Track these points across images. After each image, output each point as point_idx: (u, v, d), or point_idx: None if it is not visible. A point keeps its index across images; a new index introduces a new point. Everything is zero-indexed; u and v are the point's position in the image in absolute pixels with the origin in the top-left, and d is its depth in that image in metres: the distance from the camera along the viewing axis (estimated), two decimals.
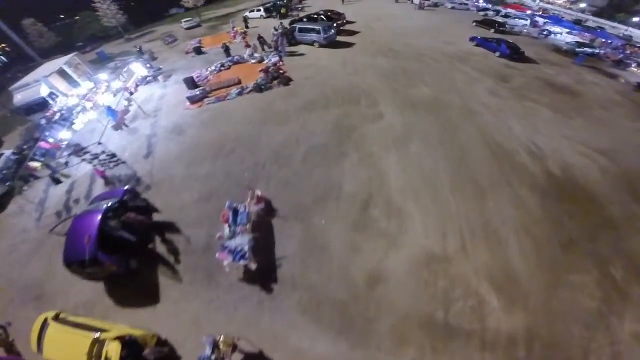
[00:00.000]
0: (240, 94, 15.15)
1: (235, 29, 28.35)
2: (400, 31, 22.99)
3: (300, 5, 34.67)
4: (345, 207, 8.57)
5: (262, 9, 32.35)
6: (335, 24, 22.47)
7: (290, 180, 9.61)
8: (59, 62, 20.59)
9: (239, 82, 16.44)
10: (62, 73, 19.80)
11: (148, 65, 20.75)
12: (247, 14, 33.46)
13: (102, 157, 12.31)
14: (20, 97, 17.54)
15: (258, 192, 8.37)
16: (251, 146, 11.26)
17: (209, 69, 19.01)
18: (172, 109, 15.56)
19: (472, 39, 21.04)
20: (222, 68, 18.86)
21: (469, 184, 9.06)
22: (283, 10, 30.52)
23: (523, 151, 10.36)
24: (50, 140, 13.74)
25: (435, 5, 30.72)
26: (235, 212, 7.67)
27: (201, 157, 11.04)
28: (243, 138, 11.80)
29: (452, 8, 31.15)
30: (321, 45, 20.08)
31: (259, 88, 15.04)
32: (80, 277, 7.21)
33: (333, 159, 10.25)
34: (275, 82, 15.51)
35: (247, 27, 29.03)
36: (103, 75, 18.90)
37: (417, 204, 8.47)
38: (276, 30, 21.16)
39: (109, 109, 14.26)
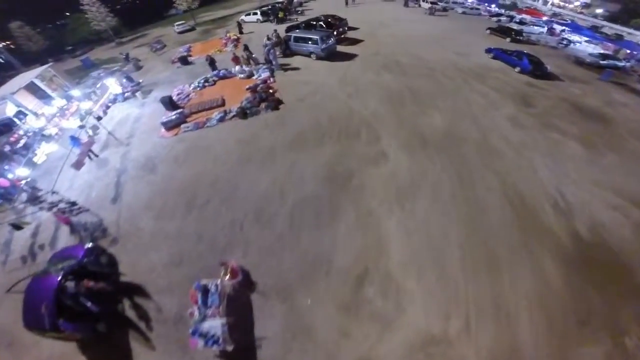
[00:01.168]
0: (222, 119, 13.12)
1: (228, 35, 26.40)
2: (407, 40, 20.74)
3: (300, 9, 32.42)
4: (335, 284, 6.90)
5: (258, 12, 30.22)
6: (335, 32, 20.28)
7: (273, 247, 7.76)
8: (30, 74, 18.67)
9: (223, 104, 14.41)
10: (32, 88, 17.84)
11: (124, 79, 18.70)
12: (242, 17, 31.44)
13: (62, 205, 10.41)
14: None
15: (233, 264, 6.89)
16: (228, 197, 9.30)
17: (192, 84, 17.01)
18: (147, 135, 13.62)
19: (489, 50, 18.78)
20: (207, 84, 16.84)
21: (484, 254, 7.22)
22: (281, 15, 28.40)
23: (548, 206, 8.40)
24: (10, 176, 11.85)
25: (445, 10, 28.29)
26: (206, 291, 6.44)
27: (172, 207, 9.30)
28: (220, 184, 9.84)
29: (463, 13, 28.67)
30: (319, 57, 17.94)
31: (243, 113, 13.00)
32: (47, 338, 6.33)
33: (324, 220, 8.23)
34: (263, 105, 13.44)
35: (241, 32, 26.99)
36: (75, 92, 16.92)
37: (420, 282, 6.78)
38: (269, 39, 19.08)
39: (73, 138, 12.38)
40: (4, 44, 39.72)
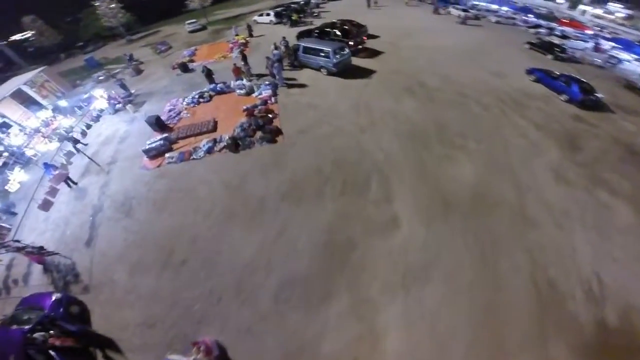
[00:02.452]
0: (210, 151, 11.30)
1: (235, 37, 24.55)
2: (435, 54, 18.13)
3: (317, 10, 30.07)
4: None
5: (272, 13, 28.13)
6: (352, 42, 17.93)
7: (254, 328, 6.50)
8: (20, 80, 17.40)
9: (214, 129, 12.57)
10: (20, 95, 16.53)
11: (118, 87, 17.11)
12: (255, 18, 29.57)
13: (29, 249, 9.03)
14: None
15: (207, 340, 6.08)
16: (208, 260, 7.80)
17: (186, 99, 15.26)
18: (129, 163, 12.06)
19: (530, 71, 16.01)
20: (201, 100, 15.05)
21: (492, 349, 5.83)
22: (294, 17, 26.25)
23: (580, 292, 6.65)
24: None
25: (477, 18, 25.20)
26: None
27: (147, 263, 8.13)
28: (200, 243, 8.28)
29: (497, 22, 25.48)
30: (330, 73, 15.78)
31: (235, 144, 11.11)
32: None
33: (315, 303, 6.66)
34: (258, 135, 11.52)
35: (250, 35, 25.10)
36: (62, 102, 15.50)
37: None
38: (276, 49, 17.11)
39: (47, 165, 10.94)
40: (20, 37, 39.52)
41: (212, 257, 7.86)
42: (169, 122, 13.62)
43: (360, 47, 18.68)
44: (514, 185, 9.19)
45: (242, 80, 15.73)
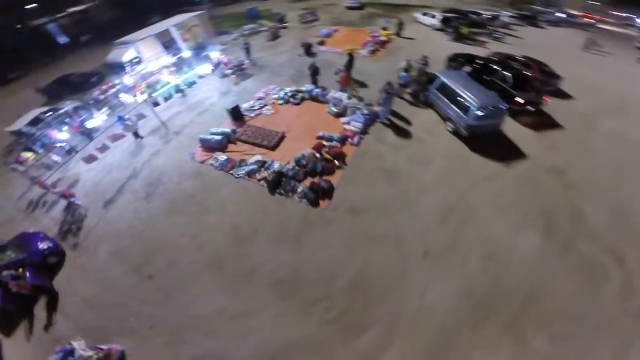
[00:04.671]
0: (250, 174, 9.55)
1: (379, 32, 21.13)
2: None
3: (501, 32, 22.36)
4: None
5: (439, 16, 22.83)
6: (525, 99, 11.62)
7: None
8: (173, 21, 19.06)
9: (275, 146, 10.64)
10: (164, 35, 17.92)
11: (226, 58, 16.72)
12: (417, 15, 24.95)
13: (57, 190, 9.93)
14: (111, 56, 17.04)
15: (114, 348, 6.18)
16: (170, 290, 7.26)
17: (280, 92, 13.70)
18: (187, 142, 11.79)
19: None
20: (292, 100, 13.20)
21: None
22: (464, 30, 20.56)
23: None
24: (64, 129, 12.37)
25: None
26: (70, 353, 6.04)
27: (126, 257, 8.12)
28: (174, 272, 7.65)
29: None
30: (455, 132, 11.19)
31: (276, 182, 8.98)
32: None
33: None
34: (305, 183, 9.00)
35: (398, 34, 21.18)
36: (187, 53, 16.35)
37: None
38: (407, 70, 13.41)
39: (120, 118, 11.63)
40: None
41: (174, 290, 7.20)
42: (246, 115, 12.46)
43: (532, 108, 11.97)
44: None
45: (345, 94, 12.96)
